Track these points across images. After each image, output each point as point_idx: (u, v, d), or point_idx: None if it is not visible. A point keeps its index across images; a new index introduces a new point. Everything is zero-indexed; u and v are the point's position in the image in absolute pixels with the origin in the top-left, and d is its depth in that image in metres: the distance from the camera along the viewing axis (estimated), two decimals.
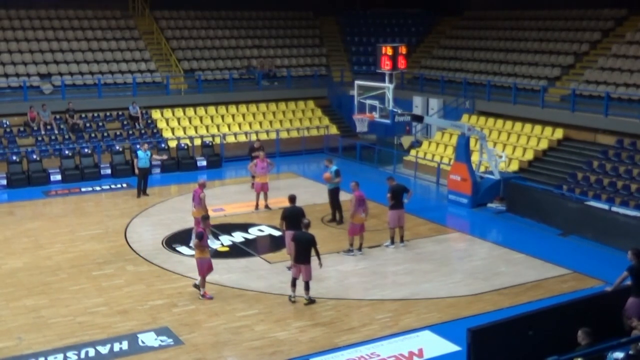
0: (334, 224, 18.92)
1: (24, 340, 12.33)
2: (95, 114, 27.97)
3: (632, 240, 15.35)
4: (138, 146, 23.71)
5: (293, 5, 36.27)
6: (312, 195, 21.30)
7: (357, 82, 21.66)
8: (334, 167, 19.19)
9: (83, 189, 23.30)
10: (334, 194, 19.16)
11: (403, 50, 21.21)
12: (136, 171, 22.33)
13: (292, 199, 15.74)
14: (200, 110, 29.81)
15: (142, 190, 22.32)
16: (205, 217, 14.79)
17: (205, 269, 14.05)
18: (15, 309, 13.68)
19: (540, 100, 24.74)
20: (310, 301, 13.89)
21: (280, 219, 15.31)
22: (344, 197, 18.90)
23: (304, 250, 13.65)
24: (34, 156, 24.50)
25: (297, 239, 13.85)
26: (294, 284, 13.90)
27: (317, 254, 13.73)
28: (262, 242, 18.02)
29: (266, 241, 18.08)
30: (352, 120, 22.88)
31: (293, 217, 15.05)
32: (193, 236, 17.27)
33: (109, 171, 24.83)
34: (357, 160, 27.39)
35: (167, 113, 29.20)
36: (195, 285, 14.33)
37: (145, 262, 16.30)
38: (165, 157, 25.24)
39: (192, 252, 16.79)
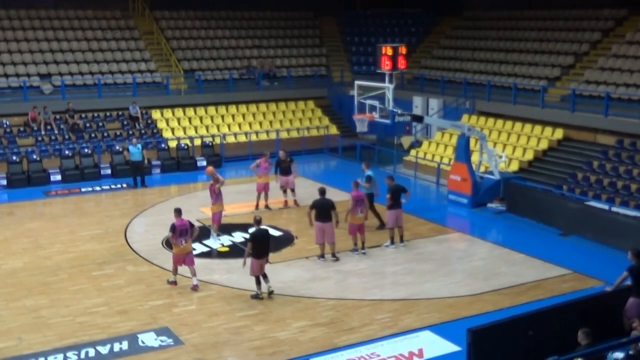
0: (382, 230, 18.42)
1: (24, 341, 12.33)
2: (95, 114, 27.98)
3: (632, 240, 15.35)
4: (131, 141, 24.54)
5: (293, 5, 36.27)
6: (311, 195, 21.25)
7: (357, 82, 21.66)
8: (368, 172, 18.75)
9: (83, 189, 23.30)
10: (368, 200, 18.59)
11: (403, 50, 21.21)
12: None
13: (322, 191, 16.33)
14: (200, 110, 29.81)
15: (141, 182, 23.31)
16: (177, 210, 14.82)
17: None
18: (15, 309, 13.68)
19: (540, 100, 24.74)
20: (257, 295, 14.19)
21: (309, 208, 16.19)
22: (344, 197, 18.92)
23: (266, 246, 14.17)
24: (34, 156, 24.51)
25: (257, 235, 14.05)
26: (258, 282, 14.10)
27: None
28: None
29: None
30: (352, 120, 22.87)
31: (322, 208, 15.92)
32: (213, 233, 17.45)
33: (109, 171, 24.84)
34: (357, 160, 27.38)
35: (167, 113, 29.21)
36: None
37: (145, 262, 16.30)
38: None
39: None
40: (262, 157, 20.83)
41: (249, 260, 14.05)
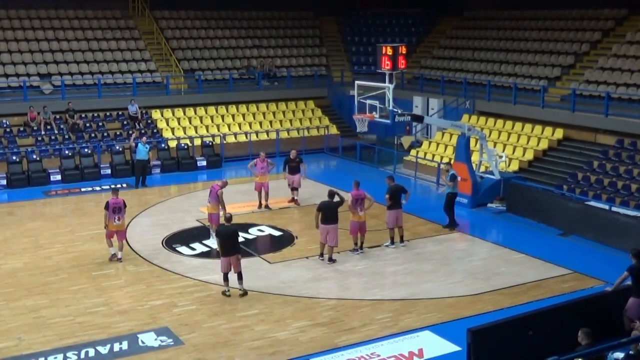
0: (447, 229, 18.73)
1: (24, 340, 12.32)
2: (95, 114, 27.97)
3: (632, 240, 15.33)
4: (134, 136, 24.83)
5: (293, 5, 36.27)
6: (311, 194, 21.30)
7: (357, 82, 21.63)
8: (452, 171, 19.13)
9: (83, 189, 23.28)
10: (449, 198, 18.87)
11: (403, 50, 21.18)
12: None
13: (331, 194, 16.26)
14: (200, 110, 29.81)
15: (142, 181, 23.42)
16: (114, 190, 16.54)
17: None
18: (15, 309, 13.67)
19: (541, 100, 24.73)
20: (245, 292, 14.15)
21: (316, 210, 16.10)
22: (344, 197, 18.88)
23: (231, 243, 14.10)
24: (34, 156, 24.49)
25: (222, 232, 14.20)
26: (226, 279, 14.15)
27: (238, 246, 14.40)
28: (262, 242, 18.02)
29: (266, 241, 18.09)
30: (352, 120, 22.87)
31: (328, 211, 15.84)
32: (212, 233, 17.42)
33: (108, 171, 24.82)
34: (357, 160, 27.40)
35: (167, 113, 29.21)
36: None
37: (145, 262, 16.29)
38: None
39: (192, 252, 16.92)
40: (257, 157, 20.93)
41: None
